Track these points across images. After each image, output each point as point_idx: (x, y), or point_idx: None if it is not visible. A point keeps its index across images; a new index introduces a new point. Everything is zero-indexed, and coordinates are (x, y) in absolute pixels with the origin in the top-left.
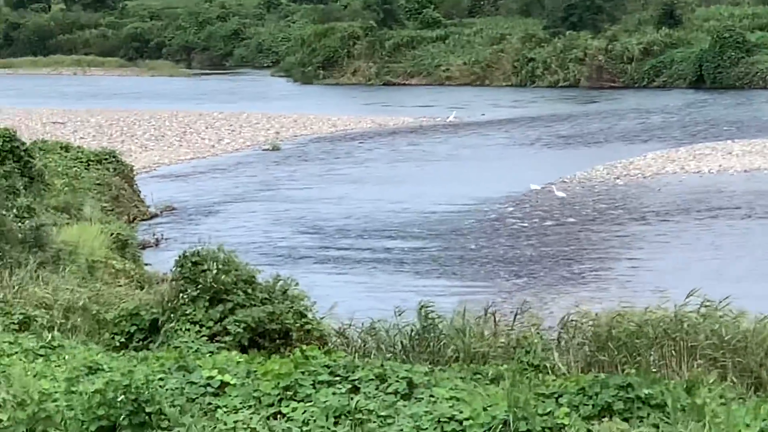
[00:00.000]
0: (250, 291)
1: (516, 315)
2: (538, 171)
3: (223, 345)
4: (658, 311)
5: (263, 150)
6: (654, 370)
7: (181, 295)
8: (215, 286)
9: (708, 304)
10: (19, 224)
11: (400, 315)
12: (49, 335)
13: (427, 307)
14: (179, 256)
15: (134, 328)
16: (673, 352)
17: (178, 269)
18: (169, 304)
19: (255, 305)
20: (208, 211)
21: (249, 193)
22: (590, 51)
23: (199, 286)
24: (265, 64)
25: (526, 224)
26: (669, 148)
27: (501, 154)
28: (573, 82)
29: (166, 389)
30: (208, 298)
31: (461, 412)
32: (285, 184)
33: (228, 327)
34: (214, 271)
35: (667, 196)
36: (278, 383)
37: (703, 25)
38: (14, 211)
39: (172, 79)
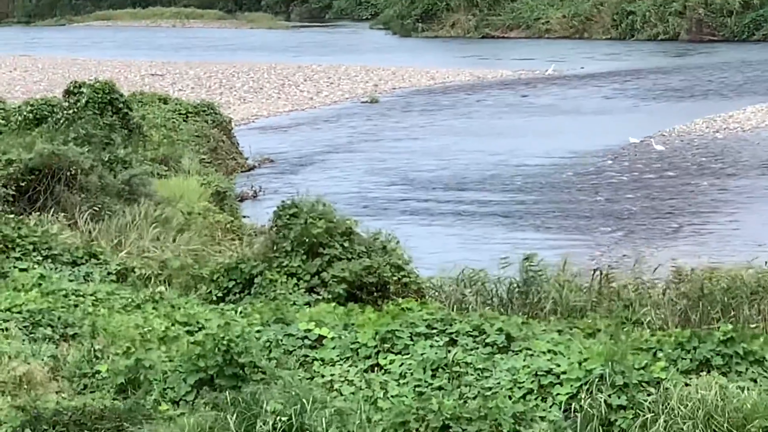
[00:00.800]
0: (347, 244)
1: (613, 269)
2: (637, 124)
3: (320, 297)
4: (754, 265)
5: (362, 102)
6: (753, 325)
7: (277, 246)
8: (312, 238)
9: None
10: (116, 176)
11: (504, 268)
12: (148, 287)
13: (528, 260)
14: (277, 208)
15: (232, 283)
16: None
17: (276, 220)
18: (266, 256)
19: (353, 258)
20: (306, 163)
21: (347, 145)
22: (690, 4)
23: (296, 237)
24: (364, 17)
25: (624, 178)
26: None
27: (600, 107)
28: (672, 35)
29: (263, 341)
30: (305, 250)
31: (558, 366)
32: (383, 136)
33: (325, 279)
34: (311, 223)
35: (766, 149)
36: (375, 335)
37: None
38: (110, 163)
39: (270, 31)
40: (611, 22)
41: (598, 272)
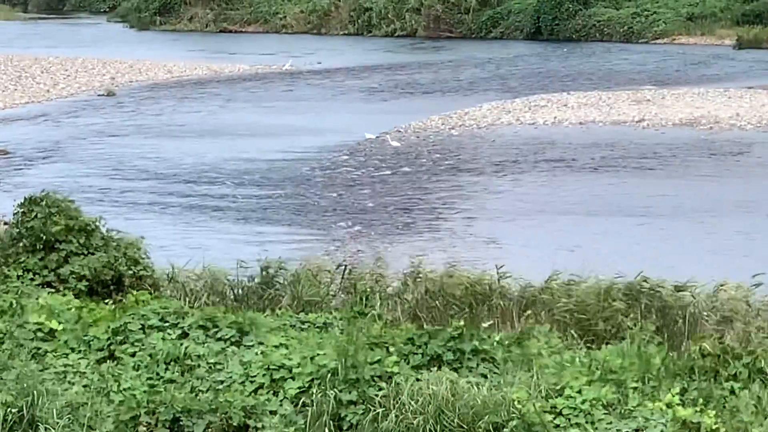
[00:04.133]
0: (84, 239)
1: (349, 265)
2: (374, 120)
3: (55, 292)
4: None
5: (99, 95)
6: (485, 324)
7: (14, 242)
8: (50, 236)
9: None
10: None
11: (242, 263)
12: None
13: (260, 258)
14: (17, 204)
15: None
16: (504, 305)
17: (15, 216)
18: (4, 252)
19: (91, 253)
20: (44, 156)
21: (84, 138)
22: (427, 1)
23: (33, 233)
24: (102, 9)
25: (360, 173)
26: (504, 99)
27: (336, 103)
28: (410, 31)
29: None
30: (41, 246)
31: (290, 360)
32: (119, 129)
33: (63, 275)
34: (51, 220)
35: (501, 147)
36: (108, 328)
37: None
38: None
39: (7, 23)
40: (348, 18)
41: (334, 266)
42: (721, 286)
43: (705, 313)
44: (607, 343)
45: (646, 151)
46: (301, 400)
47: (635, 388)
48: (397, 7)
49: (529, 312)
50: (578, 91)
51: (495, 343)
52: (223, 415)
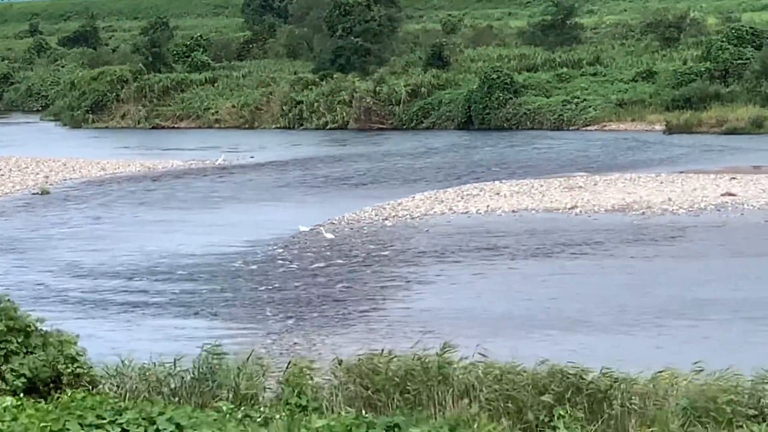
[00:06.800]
0: (23, 338)
1: (285, 356)
2: (308, 213)
3: None
4: (427, 354)
5: (33, 194)
6: (424, 410)
7: None
8: None
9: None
10: None
11: (179, 358)
12: None
13: (199, 350)
14: None
15: None
16: (440, 393)
17: None
18: None
19: (30, 352)
20: None
21: (17, 239)
22: (358, 93)
23: None
24: (35, 108)
25: (294, 266)
26: (437, 189)
27: (270, 196)
28: (342, 124)
29: None
30: None
31: None
32: (54, 229)
33: (3, 372)
34: None
35: (434, 236)
36: (46, 428)
37: (471, 66)
38: None
39: None
40: (280, 111)
41: (269, 359)
42: (659, 372)
43: (637, 402)
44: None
45: (578, 238)
46: None
47: None
48: (328, 100)
49: (465, 400)
50: (510, 179)
51: (432, 430)
52: None
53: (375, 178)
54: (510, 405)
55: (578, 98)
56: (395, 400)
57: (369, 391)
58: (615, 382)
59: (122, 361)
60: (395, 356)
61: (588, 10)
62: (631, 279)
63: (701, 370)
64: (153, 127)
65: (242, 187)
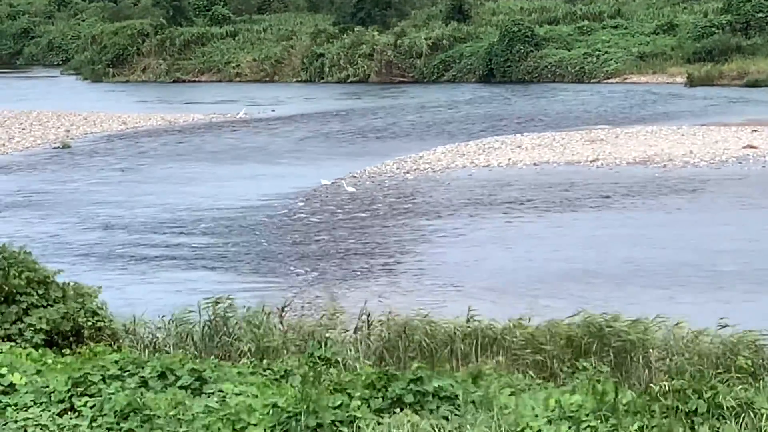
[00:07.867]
0: (43, 291)
1: (307, 310)
2: (329, 166)
3: (16, 345)
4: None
5: (54, 148)
6: (447, 366)
7: None
8: (7, 287)
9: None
10: None
11: (203, 309)
12: None
13: (217, 303)
14: None
15: None
16: (464, 348)
17: None
18: None
19: (50, 305)
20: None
21: (41, 190)
22: (378, 46)
23: None
24: (56, 63)
25: (316, 219)
26: (458, 142)
27: (291, 150)
28: (363, 77)
29: None
30: (2, 299)
31: (252, 407)
32: (74, 183)
33: (22, 328)
34: (13, 274)
35: (456, 189)
36: (68, 379)
37: (491, 19)
38: None
39: None
40: (301, 65)
41: (292, 312)
42: (677, 324)
43: (661, 351)
44: (563, 383)
45: (600, 190)
46: None
47: (594, 427)
48: (350, 53)
49: (488, 353)
50: (532, 132)
51: (454, 384)
52: None
53: (396, 131)
54: (536, 356)
55: (599, 51)
56: (417, 355)
57: (391, 345)
58: (641, 332)
59: (142, 315)
60: (417, 310)
61: None
62: (651, 231)
63: (725, 326)
64: (174, 81)
65: (263, 141)
